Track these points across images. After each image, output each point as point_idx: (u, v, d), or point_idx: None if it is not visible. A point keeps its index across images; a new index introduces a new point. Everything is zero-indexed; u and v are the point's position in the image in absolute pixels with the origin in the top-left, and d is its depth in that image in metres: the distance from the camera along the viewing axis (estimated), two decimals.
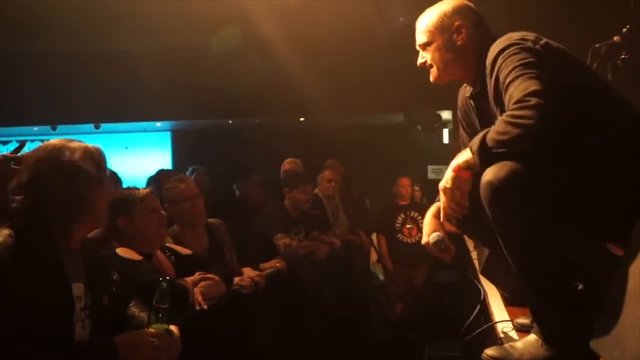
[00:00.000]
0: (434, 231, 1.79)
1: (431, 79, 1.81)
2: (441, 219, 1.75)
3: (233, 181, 5.84)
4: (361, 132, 8.17)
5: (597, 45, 2.38)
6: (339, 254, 4.37)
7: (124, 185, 3.19)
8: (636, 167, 1.44)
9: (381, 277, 5.71)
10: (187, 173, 5.00)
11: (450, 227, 1.82)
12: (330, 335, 3.90)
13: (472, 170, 1.54)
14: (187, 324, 1.94)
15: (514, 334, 1.81)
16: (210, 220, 3.33)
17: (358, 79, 5.86)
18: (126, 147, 9.34)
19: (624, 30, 2.37)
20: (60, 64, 6.33)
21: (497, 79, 1.54)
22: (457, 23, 1.73)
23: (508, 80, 1.47)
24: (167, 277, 1.75)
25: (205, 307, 2.41)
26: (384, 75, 5.72)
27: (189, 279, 2.49)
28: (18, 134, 8.24)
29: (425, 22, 1.77)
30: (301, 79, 5.68)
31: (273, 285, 3.23)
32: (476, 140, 1.49)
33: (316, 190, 4.70)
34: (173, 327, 1.71)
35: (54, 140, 1.66)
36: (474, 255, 2.94)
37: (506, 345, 1.61)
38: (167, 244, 2.74)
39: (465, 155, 1.54)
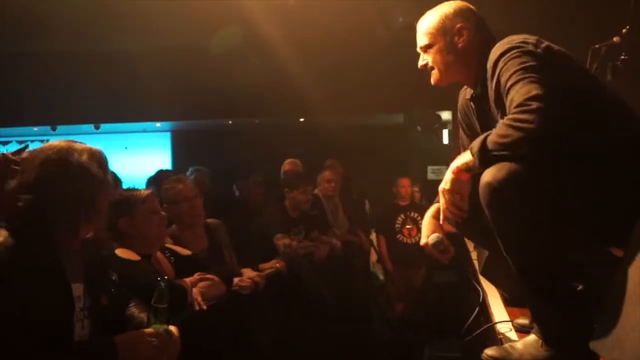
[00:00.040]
0: (433, 232, 1.79)
1: (432, 81, 1.81)
2: (440, 221, 1.75)
3: (233, 181, 5.84)
4: (361, 132, 8.17)
5: (596, 46, 2.38)
6: (339, 254, 4.38)
7: (124, 186, 3.19)
8: (636, 167, 1.45)
9: (381, 277, 5.71)
10: (188, 173, 5.01)
11: (449, 228, 1.82)
12: (330, 335, 3.90)
13: (472, 173, 1.55)
14: (187, 324, 1.94)
15: (513, 335, 1.81)
16: (209, 220, 3.34)
17: (358, 79, 5.86)
18: (126, 148, 9.34)
19: (624, 30, 2.37)
20: (60, 64, 6.33)
21: (498, 82, 1.54)
22: (458, 25, 1.73)
23: (509, 83, 1.48)
24: (166, 277, 1.75)
25: (204, 307, 2.41)
26: (384, 75, 5.72)
27: (187, 280, 2.49)
28: (18, 134, 8.25)
29: (427, 25, 1.77)
30: (301, 79, 5.68)
31: (273, 285, 3.23)
32: (477, 142, 1.49)
33: (316, 191, 4.70)
34: (172, 327, 1.72)
35: (58, 141, 1.65)
36: (473, 255, 2.94)
37: (506, 345, 1.61)
38: (166, 245, 2.74)
39: (465, 158, 1.54)
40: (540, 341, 1.52)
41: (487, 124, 1.67)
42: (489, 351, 1.59)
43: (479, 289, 2.29)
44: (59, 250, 1.59)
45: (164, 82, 6.13)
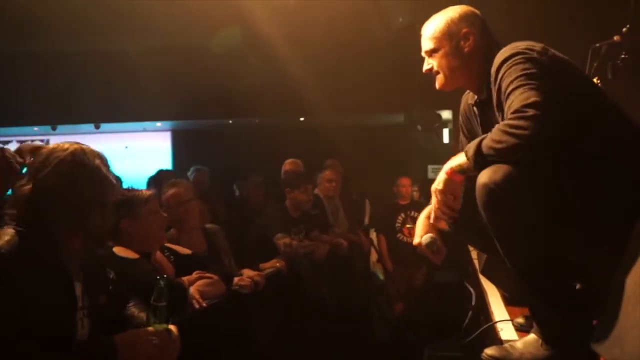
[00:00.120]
0: (426, 232, 1.79)
1: (437, 86, 1.81)
2: (431, 221, 1.75)
3: (233, 181, 5.83)
4: (361, 132, 8.17)
5: (597, 45, 2.38)
6: (345, 253, 4.38)
7: (123, 186, 3.19)
8: (635, 167, 1.45)
9: (381, 277, 5.71)
10: (189, 173, 5.01)
11: (444, 227, 1.83)
12: (330, 335, 3.90)
13: (466, 174, 1.55)
14: (187, 323, 1.94)
15: (514, 334, 1.80)
16: (208, 225, 3.35)
17: (358, 79, 5.86)
18: (126, 147, 9.33)
19: (624, 30, 2.38)
20: (60, 64, 6.34)
21: (499, 86, 1.55)
22: (464, 30, 1.73)
23: (510, 88, 1.48)
24: (165, 276, 1.75)
25: (204, 305, 2.41)
26: (384, 75, 5.72)
27: (186, 278, 2.49)
28: (18, 134, 8.24)
29: (432, 29, 1.77)
30: (301, 79, 5.68)
31: (273, 285, 3.23)
32: (472, 145, 1.49)
33: (316, 191, 4.70)
34: (172, 327, 1.72)
35: (69, 143, 1.65)
36: (474, 255, 2.94)
37: (506, 345, 1.60)
38: (165, 244, 2.74)
39: (459, 159, 1.55)
40: (540, 341, 1.52)
41: (490, 129, 1.67)
42: (489, 351, 1.59)
43: (472, 291, 2.29)
44: (61, 250, 1.60)
45: (164, 82, 6.13)
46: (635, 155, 1.47)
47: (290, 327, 3.55)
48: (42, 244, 1.54)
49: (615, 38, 2.38)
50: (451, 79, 1.77)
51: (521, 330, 1.79)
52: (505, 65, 1.53)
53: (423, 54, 1.81)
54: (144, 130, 9.38)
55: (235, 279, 2.88)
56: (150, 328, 1.63)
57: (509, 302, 2.12)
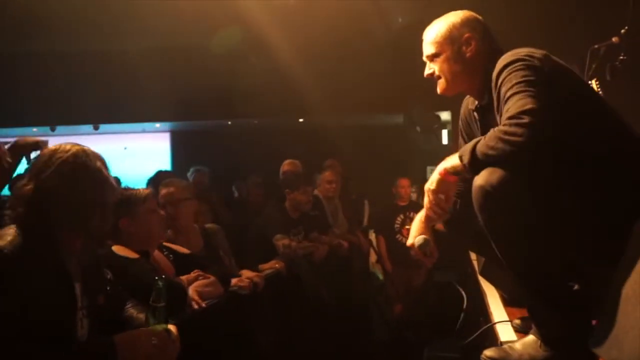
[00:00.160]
0: (420, 234, 1.79)
1: (438, 90, 1.80)
2: (422, 220, 1.75)
3: (232, 182, 5.83)
4: (361, 133, 8.17)
5: (596, 46, 2.38)
6: (345, 254, 4.38)
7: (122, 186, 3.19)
8: (635, 167, 1.45)
9: (380, 277, 5.71)
10: (189, 174, 5.01)
11: (441, 227, 1.83)
12: (329, 336, 3.90)
13: (459, 176, 1.55)
14: (187, 323, 1.94)
15: (512, 335, 1.81)
16: (208, 225, 3.34)
17: (357, 79, 5.85)
18: (125, 148, 9.33)
19: (623, 31, 2.38)
20: (60, 64, 6.34)
21: (499, 91, 1.55)
22: (466, 35, 1.72)
23: (508, 94, 1.48)
24: (163, 276, 1.75)
25: (203, 304, 2.41)
26: (384, 75, 5.72)
27: (184, 277, 2.49)
28: (17, 135, 8.24)
29: (434, 34, 1.76)
30: (301, 79, 5.68)
31: (272, 285, 3.23)
32: (467, 149, 1.49)
33: (316, 192, 4.70)
34: (172, 327, 1.72)
35: (69, 144, 1.65)
36: (473, 256, 2.94)
37: (505, 346, 1.61)
38: (164, 244, 2.74)
39: (453, 160, 1.55)
40: (539, 341, 1.52)
41: None
42: (488, 352, 1.59)
43: (463, 295, 2.29)
44: (62, 251, 1.60)
45: (164, 83, 6.13)
46: (635, 155, 1.48)
47: (290, 327, 3.54)
48: (44, 245, 1.54)
49: (614, 39, 2.39)
50: (453, 84, 1.77)
51: (520, 331, 1.80)
52: (505, 71, 1.54)
53: (424, 58, 1.80)
54: (143, 131, 9.38)
55: (234, 280, 2.88)
56: (150, 328, 1.63)
57: (508, 303, 2.12)
